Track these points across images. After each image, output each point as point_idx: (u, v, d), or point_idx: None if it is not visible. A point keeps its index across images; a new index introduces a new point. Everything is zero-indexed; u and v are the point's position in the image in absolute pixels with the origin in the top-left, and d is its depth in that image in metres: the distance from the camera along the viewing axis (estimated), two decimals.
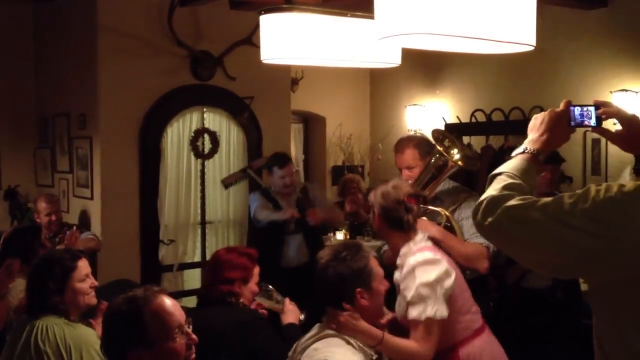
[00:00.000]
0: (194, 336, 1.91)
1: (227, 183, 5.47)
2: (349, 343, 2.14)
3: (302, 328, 2.65)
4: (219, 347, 2.57)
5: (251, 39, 5.13)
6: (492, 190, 1.51)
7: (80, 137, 5.22)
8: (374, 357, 2.21)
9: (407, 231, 2.58)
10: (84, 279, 2.67)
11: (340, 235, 6.08)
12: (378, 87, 7.71)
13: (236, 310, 2.75)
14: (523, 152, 1.66)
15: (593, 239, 1.29)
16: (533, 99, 5.74)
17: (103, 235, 4.89)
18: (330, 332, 2.18)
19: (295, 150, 7.65)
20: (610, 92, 5.02)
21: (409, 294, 2.39)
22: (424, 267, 2.44)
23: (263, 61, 2.55)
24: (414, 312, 2.35)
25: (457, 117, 6.66)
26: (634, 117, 1.69)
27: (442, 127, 6.55)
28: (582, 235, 1.30)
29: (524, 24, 1.92)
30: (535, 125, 1.70)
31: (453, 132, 5.22)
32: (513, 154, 1.69)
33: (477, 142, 6.28)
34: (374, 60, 2.54)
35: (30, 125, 5.88)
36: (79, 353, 2.47)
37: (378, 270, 2.34)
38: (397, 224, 2.58)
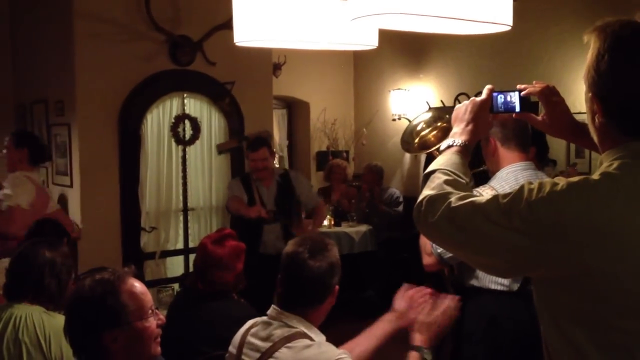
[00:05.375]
0: (162, 316, 1.94)
1: (220, 149, 5.43)
2: (312, 340, 2.00)
3: None
4: (212, 341, 2.60)
5: (230, 23, 5.04)
6: (429, 189, 1.47)
7: (58, 124, 5.14)
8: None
9: None
10: None
11: (324, 222, 6.06)
12: (362, 71, 7.65)
13: (232, 305, 2.79)
14: (452, 146, 1.62)
15: (528, 239, 1.26)
16: (517, 83, 5.64)
17: (83, 223, 4.82)
18: (286, 330, 2.02)
19: (279, 136, 7.60)
20: None
21: None
22: None
23: (236, 44, 2.50)
24: None
25: (441, 101, 6.63)
26: (558, 99, 1.67)
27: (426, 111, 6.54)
28: (517, 235, 1.27)
29: (499, 3, 1.88)
30: (458, 116, 1.68)
31: None
32: (442, 147, 1.66)
33: None
34: (350, 42, 2.48)
35: (8, 112, 5.80)
36: (59, 343, 2.42)
37: None
38: None
